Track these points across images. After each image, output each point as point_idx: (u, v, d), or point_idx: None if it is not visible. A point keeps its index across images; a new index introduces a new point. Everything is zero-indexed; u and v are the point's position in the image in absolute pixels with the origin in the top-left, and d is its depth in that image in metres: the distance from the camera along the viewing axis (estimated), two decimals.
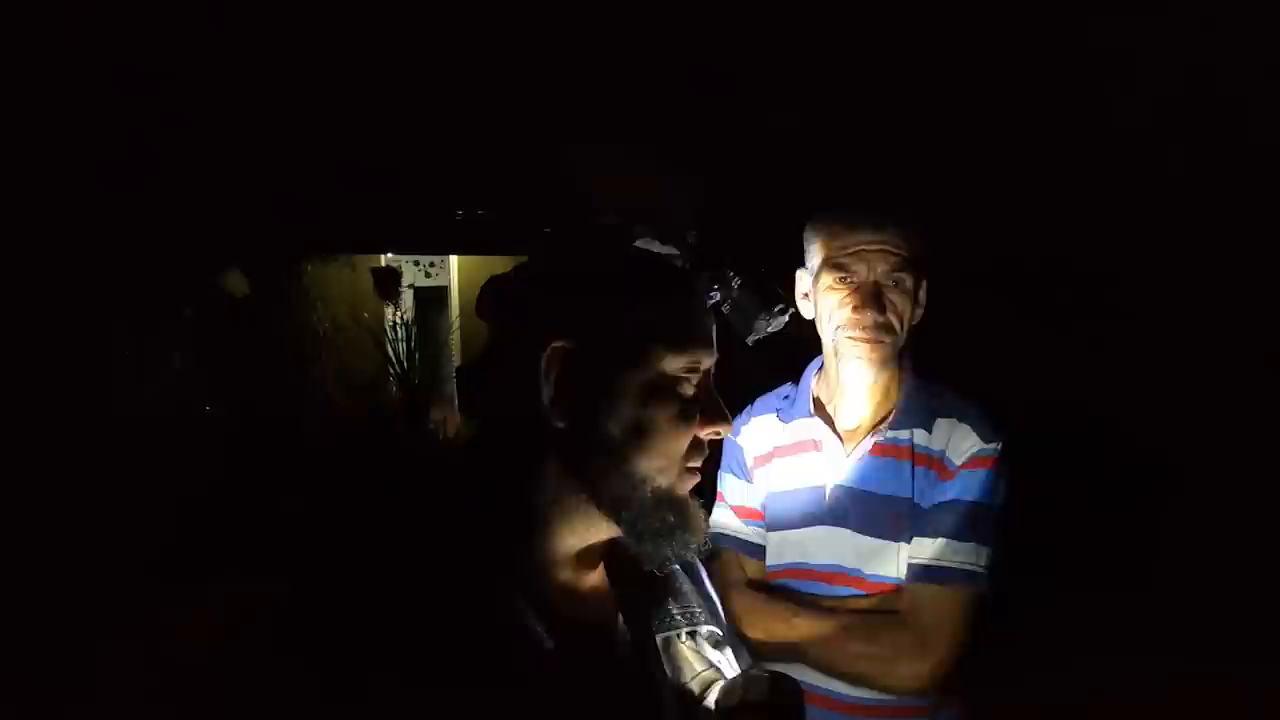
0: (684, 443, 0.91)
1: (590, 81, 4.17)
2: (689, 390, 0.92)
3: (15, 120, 3.70)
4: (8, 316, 3.77)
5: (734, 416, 1.69)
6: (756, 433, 1.68)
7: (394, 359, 6.85)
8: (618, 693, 0.90)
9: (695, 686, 0.96)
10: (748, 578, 1.61)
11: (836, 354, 1.57)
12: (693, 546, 0.93)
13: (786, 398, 1.70)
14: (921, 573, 1.47)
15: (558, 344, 0.88)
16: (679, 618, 1.00)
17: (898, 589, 1.49)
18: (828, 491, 1.57)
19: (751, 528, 1.64)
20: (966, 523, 1.47)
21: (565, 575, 0.94)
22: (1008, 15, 3.92)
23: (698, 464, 0.94)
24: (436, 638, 0.81)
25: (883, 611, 1.48)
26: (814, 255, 1.58)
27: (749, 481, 1.66)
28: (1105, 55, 3.81)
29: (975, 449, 1.50)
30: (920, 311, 1.58)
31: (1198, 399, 4.15)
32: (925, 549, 1.48)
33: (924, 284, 1.56)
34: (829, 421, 1.61)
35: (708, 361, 0.93)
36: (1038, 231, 4.33)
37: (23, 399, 3.67)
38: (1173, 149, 4.01)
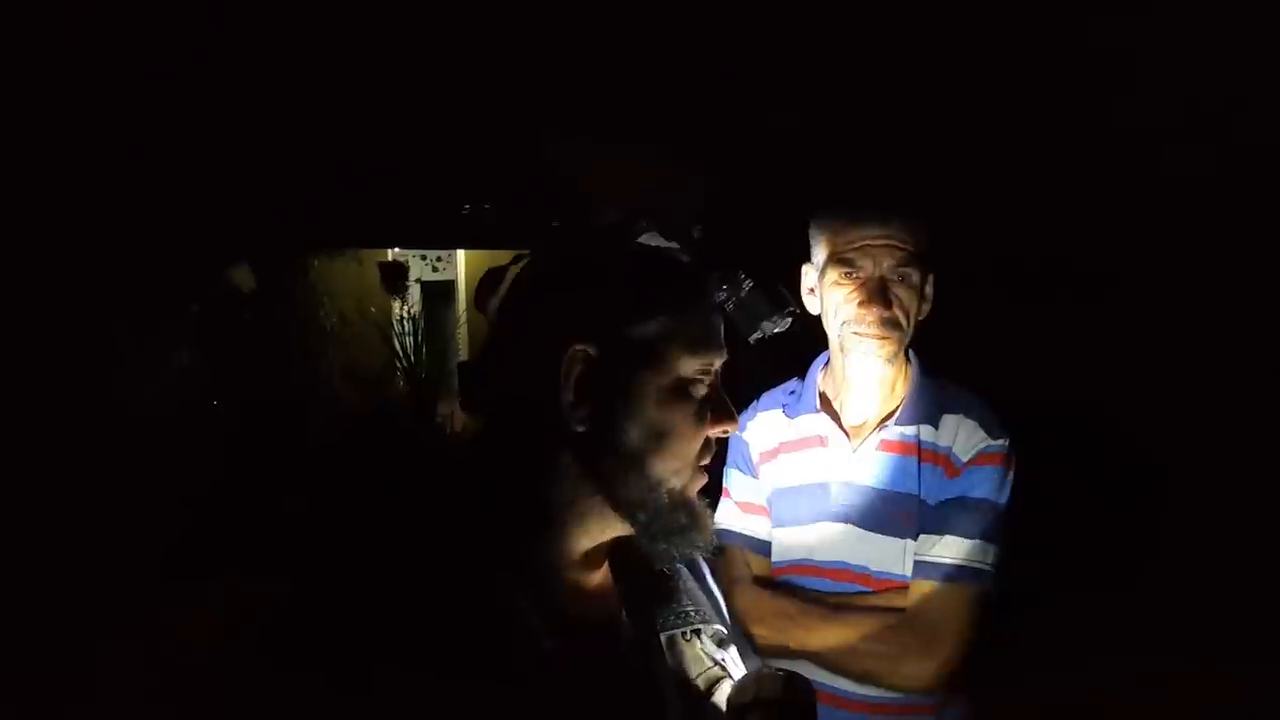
0: (698, 444, 0.92)
1: (596, 79, 4.17)
2: (702, 391, 0.92)
3: (19, 118, 3.70)
4: (12, 313, 3.78)
5: (740, 413, 1.70)
6: (762, 428, 1.67)
7: (401, 353, 6.86)
8: (621, 691, 0.90)
9: (700, 684, 0.96)
10: (753, 574, 1.60)
11: (843, 349, 1.56)
12: (701, 546, 0.94)
13: (793, 393, 1.69)
14: (928, 570, 1.46)
15: (579, 348, 0.88)
16: (683, 616, 1.00)
17: (904, 586, 1.48)
18: (834, 488, 1.56)
19: (757, 524, 1.63)
20: (973, 520, 1.46)
21: (572, 574, 0.94)
22: (1009, 14, 3.91)
23: (706, 462, 0.94)
24: (442, 636, 0.81)
25: (889, 609, 1.47)
26: (819, 251, 1.57)
27: (754, 477, 1.66)
28: (1106, 53, 3.79)
29: (982, 445, 1.50)
30: (927, 307, 1.57)
31: (1198, 398, 4.14)
32: (932, 546, 1.47)
33: (930, 279, 1.56)
34: (835, 417, 1.60)
35: (719, 362, 0.94)
36: (1038, 229, 4.32)
37: (27, 395, 3.68)
38: (1173, 149, 3.99)
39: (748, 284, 0.98)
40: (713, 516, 0.96)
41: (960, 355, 1.71)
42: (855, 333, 1.52)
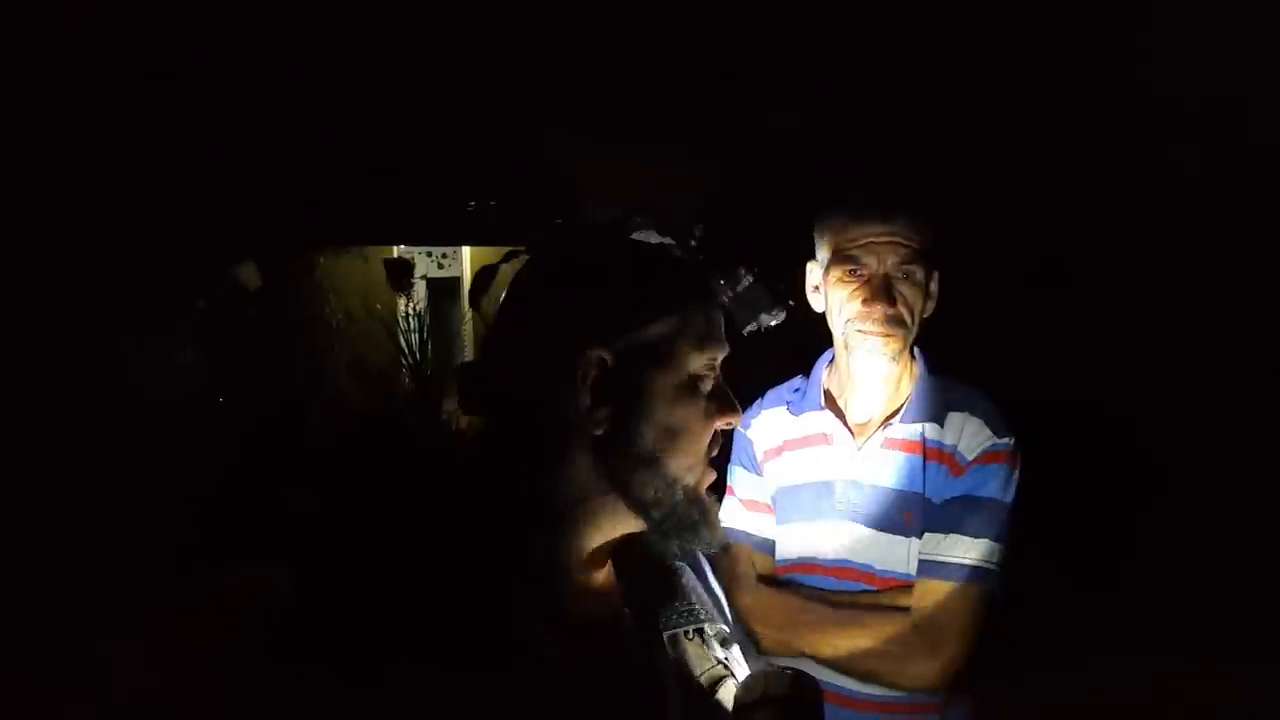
0: (708, 438, 0.93)
1: (600, 77, 4.16)
2: (709, 385, 0.93)
3: (25, 114, 3.71)
4: (19, 312, 3.79)
5: (745, 410, 1.69)
6: (767, 426, 1.67)
7: (406, 350, 6.87)
8: (625, 690, 0.90)
9: (702, 683, 0.95)
10: (756, 573, 1.60)
11: (847, 347, 1.56)
12: (711, 542, 0.95)
13: (797, 390, 1.68)
14: (933, 569, 1.45)
15: (594, 351, 0.88)
16: (685, 615, 0.99)
17: (908, 585, 1.48)
18: (838, 486, 1.55)
19: (761, 522, 1.63)
20: (978, 519, 1.45)
21: (577, 573, 0.94)
22: (1011, 11, 3.90)
23: (714, 455, 0.95)
24: (446, 635, 0.81)
25: (893, 608, 1.47)
26: (824, 248, 1.57)
27: (759, 475, 1.65)
28: (1113, 46, 3.78)
29: (988, 443, 1.49)
30: (932, 304, 1.56)
31: (1200, 398, 4.12)
32: (936, 545, 1.46)
33: (935, 276, 1.55)
34: (840, 415, 1.60)
35: (722, 355, 0.95)
36: (1042, 225, 4.30)
37: (33, 391, 3.69)
38: (1175, 148, 3.97)
39: (746, 278, 0.99)
40: (718, 512, 0.97)
41: (966, 353, 1.70)
42: (859, 330, 1.51)
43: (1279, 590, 3.25)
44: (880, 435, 1.55)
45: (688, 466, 0.92)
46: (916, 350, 1.60)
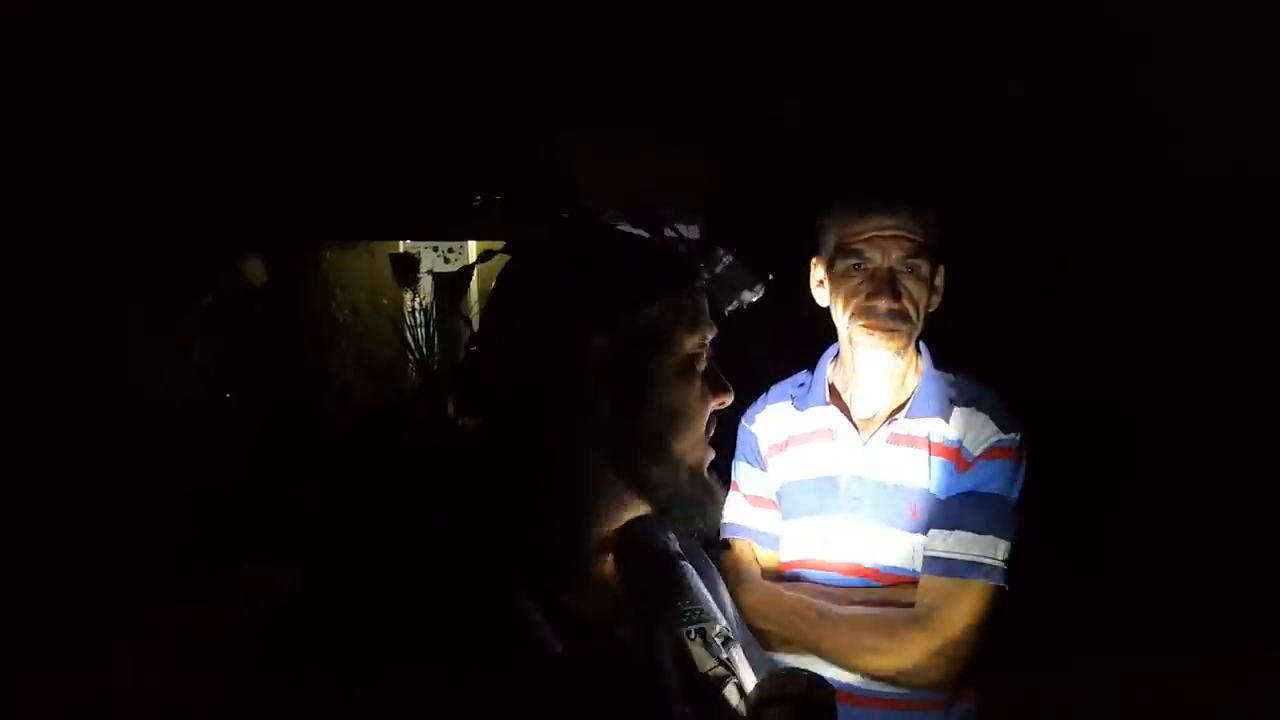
0: (706, 416, 0.95)
1: (605, 70, 4.15)
2: (702, 365, 0.95)
3: (30, 112, 3.71)
4: (24, 308, 3.80)
5: (750, 405, 1.69)
6: (771, 421, 1.66)
7: (413, 345, 6.87)
8: (627, 689, 0.90)
9: (705, 683, 0.95)
10: (761, 569, 1.59)
11: (852, 342, 1.55)
12: (716, 519, 0.98)
13: (802, 385, 1.68)
14: (937, 566, 1.44)
15: (596, 341, 0.89)
16: (688, 614, 0.99)
17: (913, 581, 1.47)
18: (843, 481, 1.55)
19: (766, 518, 1.62)
20: (984, 515, 1.44)
21: (580, 571, 0.94)
22: (1017, 6, 3.88)
23: (711, 435, 0.97)
24: (449, 633, 0.81)
25: (897, 604, 1.46)
26: (828, 242, 1.56)
27: (763, 470, 1.64)
28: (1126, 36, 3.75)
29: (994, 439, 1.48)
30: (937, 299, 1.55)
31: (1201, 398, 4.11)
32: (941, 541, 1.45)
33: (940, 270, 1.54)
34: (845, 410, 1.59)
35: (712, 335, 0.96)
36: (1047, 222, 4.28)
37: (39, 388, 3.70)
38: (1177, 147, 3.95)
39: (725, 258, 1.00)
40: (724, 491, 0.99)
41: (972, 348, 1.69)
42: (863, 325, 1.50)
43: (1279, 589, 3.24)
44: (885, 431, 1.54)
45: (691, 446, 0.94)
46: (922, 345, 1.59)
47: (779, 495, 1.62)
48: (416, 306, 7.13)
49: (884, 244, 1.48)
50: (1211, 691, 2.81)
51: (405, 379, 6.83)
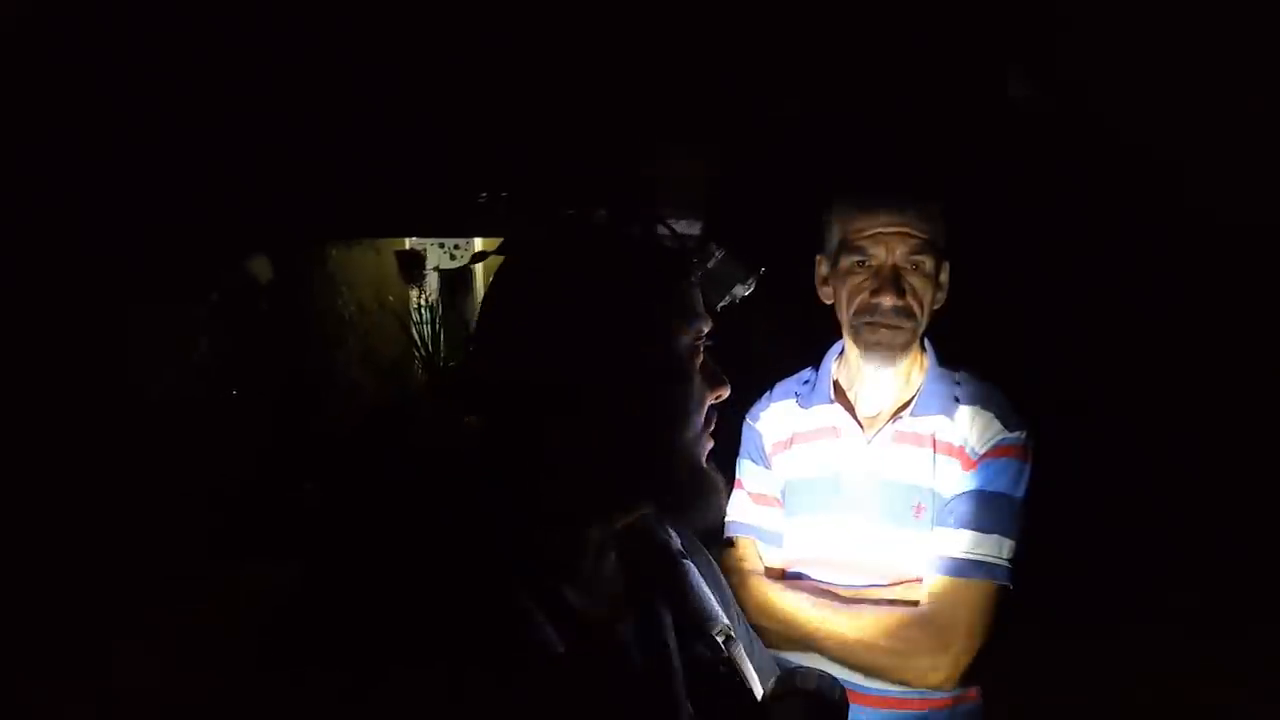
0: (704, 410, 0.95)
1: (607, 68, 4.15)
2: (699, 358, 0.95)
3: (35, 110, 3.72)
4: (32, 304, 3.81)
5: (754, 404, 1.68)
6: (775, 419, 1.65)
7: (419, 342, 6.89)
8: (629, 690, 0.90)
9: (706, 683, 0.95)
10: (765, 567, 1.58)
11: (856, 339, 1.54)
12: (719, 512, 0.97)
13: (806, 383, 1.67)
14: (942, 565, 1.43)
15: (596, 340, 0.89)
16: (690, 614, 0.99)
17: (917, 580, 1.46)
18: (847, 479, 1.54)
19: (770, 516, 1.61)
20: (989, 514, 1.43)
21: (582, 571, 0.93)
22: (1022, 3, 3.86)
23: (710, 428, 0.97)
24: (451, 633, 0.81)
25: (902, 603, 1.45)
26: (832, 239, 1.55)
27: (767, 468, 1.64)
28: (1125, 40, 3.73)
29: (999, 437, 1.47)
30: (942, 296, 1.54)
31: (1203, 398, 4.10)
32: (946, 540, 1.44)
33: (945, 267, 1.53)
34: (849, 408, 1.58)
35: (708, 328, 0.97)
36: (1053, 219, 4.27)
37: (45, 385, 3.71)
38: (1178, 147, 3.93)
39: (717, 253, 1.01)
40: (724, 482, 0.98)
41: (977, 345, 1.68)
42: (868, 323, 1.49)
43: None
44: (890, 429, 1.53)
45: (690, 441, 0.94)
46: (927, 342, 1.58)
47: (783, 493, 1.61)
48: (422, 303, 7.15)
49: (888, 240, 1.47)
50: (1211, 691, 2.81)
51: (411, 376, 6.85)
